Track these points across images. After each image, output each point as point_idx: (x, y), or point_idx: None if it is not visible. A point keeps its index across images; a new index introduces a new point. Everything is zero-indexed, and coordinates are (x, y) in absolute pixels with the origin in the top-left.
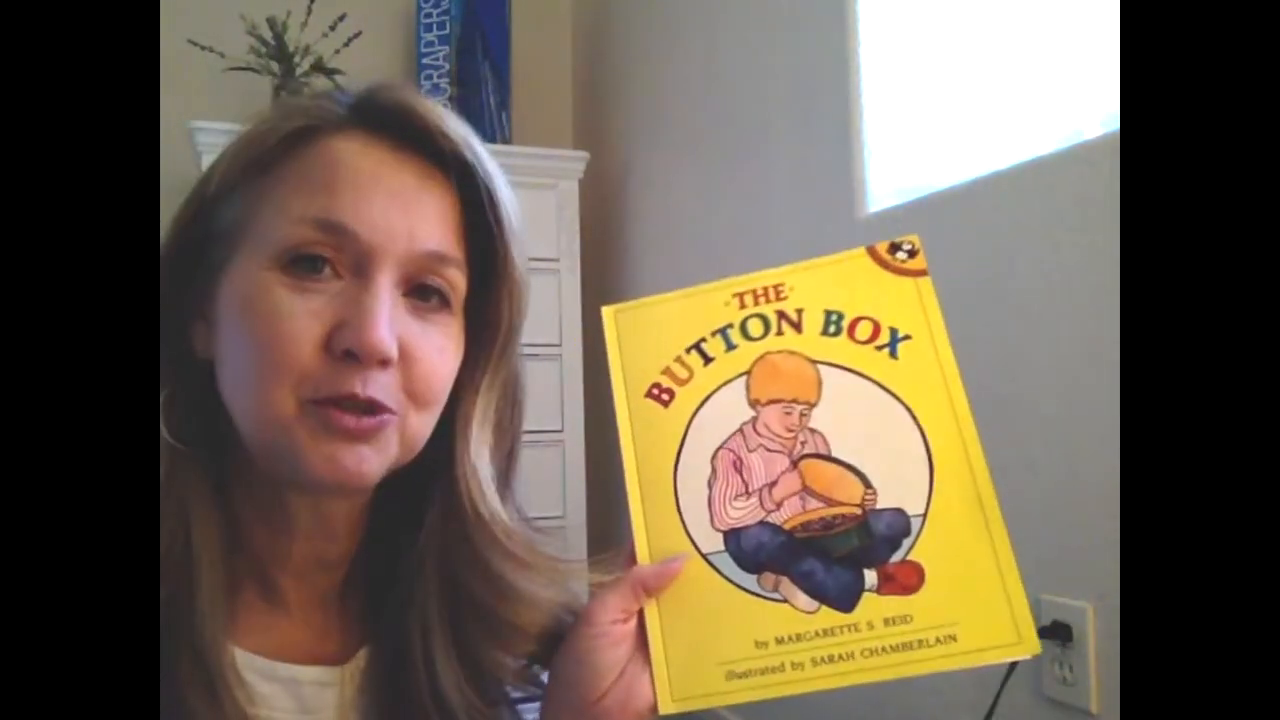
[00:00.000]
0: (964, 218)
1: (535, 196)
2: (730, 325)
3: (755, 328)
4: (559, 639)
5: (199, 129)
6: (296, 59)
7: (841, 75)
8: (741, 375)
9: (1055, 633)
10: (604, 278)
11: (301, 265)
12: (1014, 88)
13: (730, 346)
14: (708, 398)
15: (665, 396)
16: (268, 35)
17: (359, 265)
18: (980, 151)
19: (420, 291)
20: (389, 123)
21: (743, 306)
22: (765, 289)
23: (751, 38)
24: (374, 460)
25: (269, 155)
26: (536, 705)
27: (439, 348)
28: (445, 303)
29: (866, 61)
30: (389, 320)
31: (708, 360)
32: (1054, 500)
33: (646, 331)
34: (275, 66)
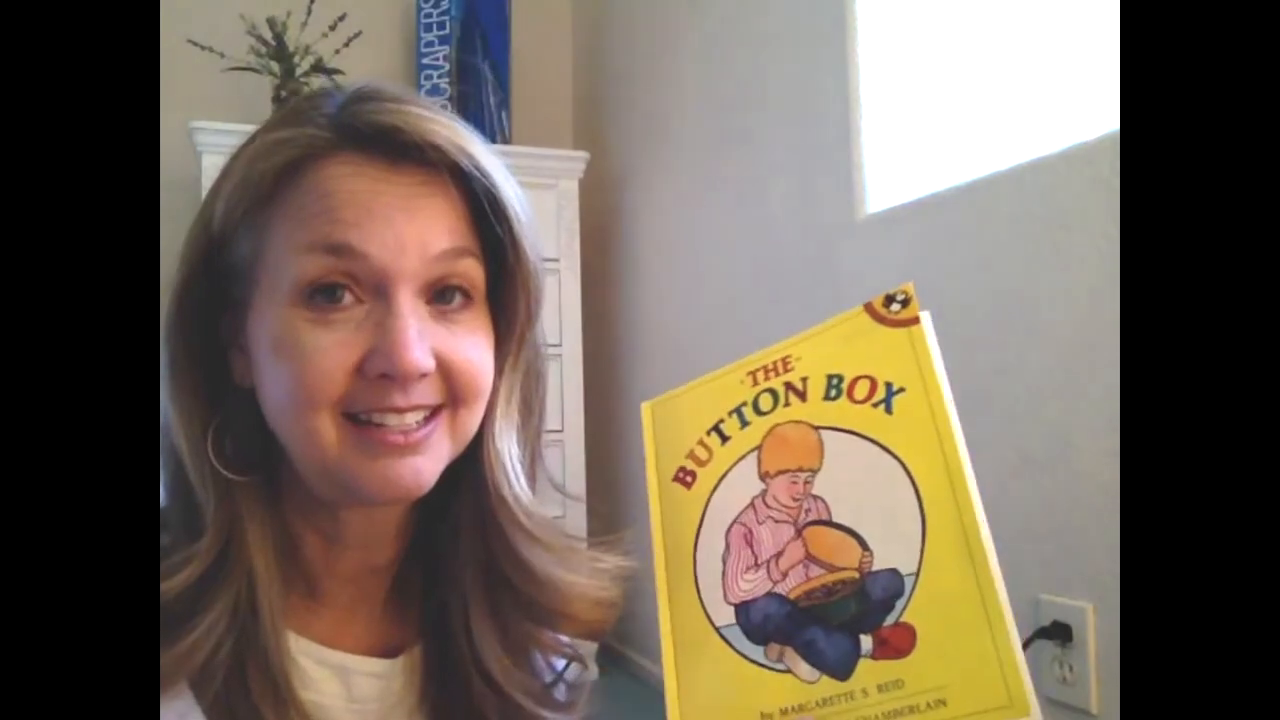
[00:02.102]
0: (964, 218)
1: (535, 196)
2: (744, 404)
3: (765, 402)
4: (600, 624)
5: (199, 129)
6: (296, 59)
7: (841, 76)
8: (753, 450)
9: (1055, 633)
10: (604, 278)
11: (321, 297)
12: (1014, 88)
13: (744, 424)
14: (724, 475)
15: (689, 479)
16: (268, 35)
17: (378, 287)
18: (980, 152)
19: (442, 296)
20: (376, 140)
21: (755, 384)
22: (774, 363)
23: (751, 38)
24: (428, 468)
25: (266, 191)
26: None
27: (472, 344)
28: (468, 299)
29: (866, 62)
30: (418, 337)
31: (725, 439)
32: (1054, 500)
33: (675, 419)
34: (275, 66)
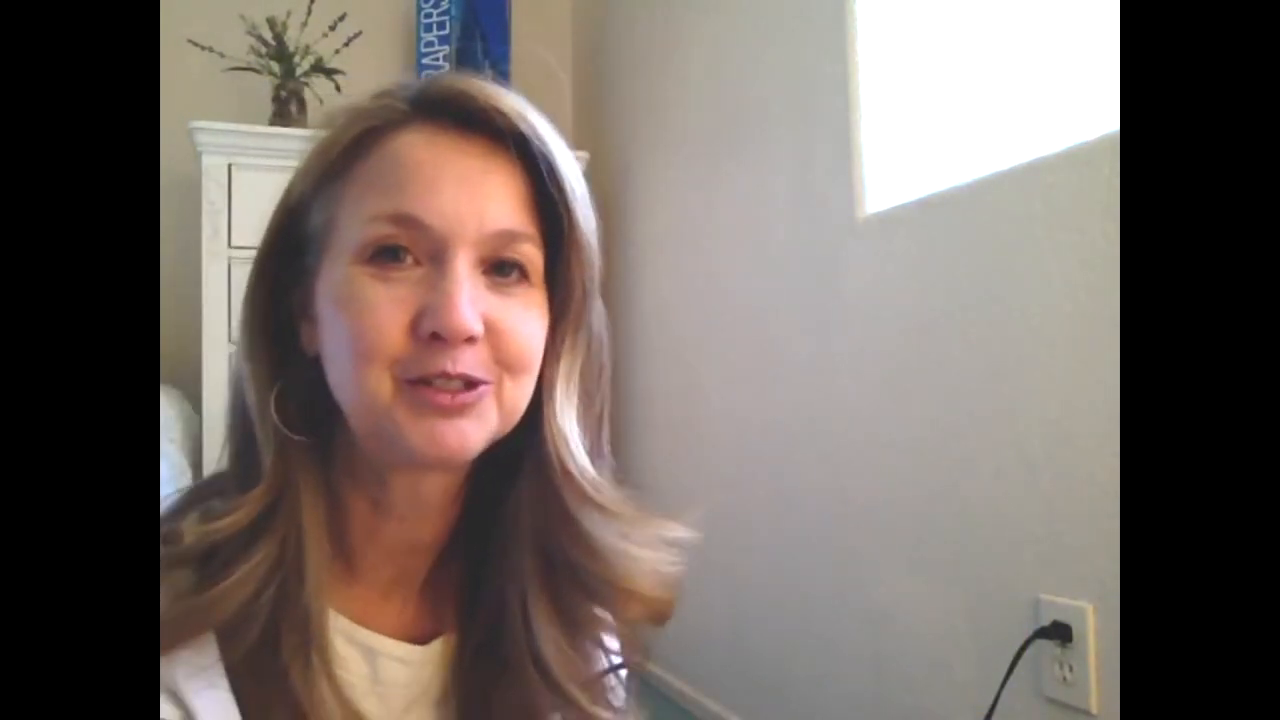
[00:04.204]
0: (964, 218)
1: None
2: None
3: None
4: (662, 604)
5: (199, 129)
6: (296, 59)
7: (841, 75)
8: None
9: (1055, 633)
10: (604, 277)
11: (383, 256)
12: (1014, 88)
13: None
14: None
15: None
16: (268, 35)
17: (436, 253)
18: (980, 152)
19: (499, 268)
20: (447, 110)
21: None
22: None
23: (751, 38)
24: (474, 433)
25: (340, 162)
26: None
27: (523, 317)
28: (524, 276)
29: (866, 61)
30: (470, 300)
31: None
32: (1054, 500)
33: None
34: (275, 66)
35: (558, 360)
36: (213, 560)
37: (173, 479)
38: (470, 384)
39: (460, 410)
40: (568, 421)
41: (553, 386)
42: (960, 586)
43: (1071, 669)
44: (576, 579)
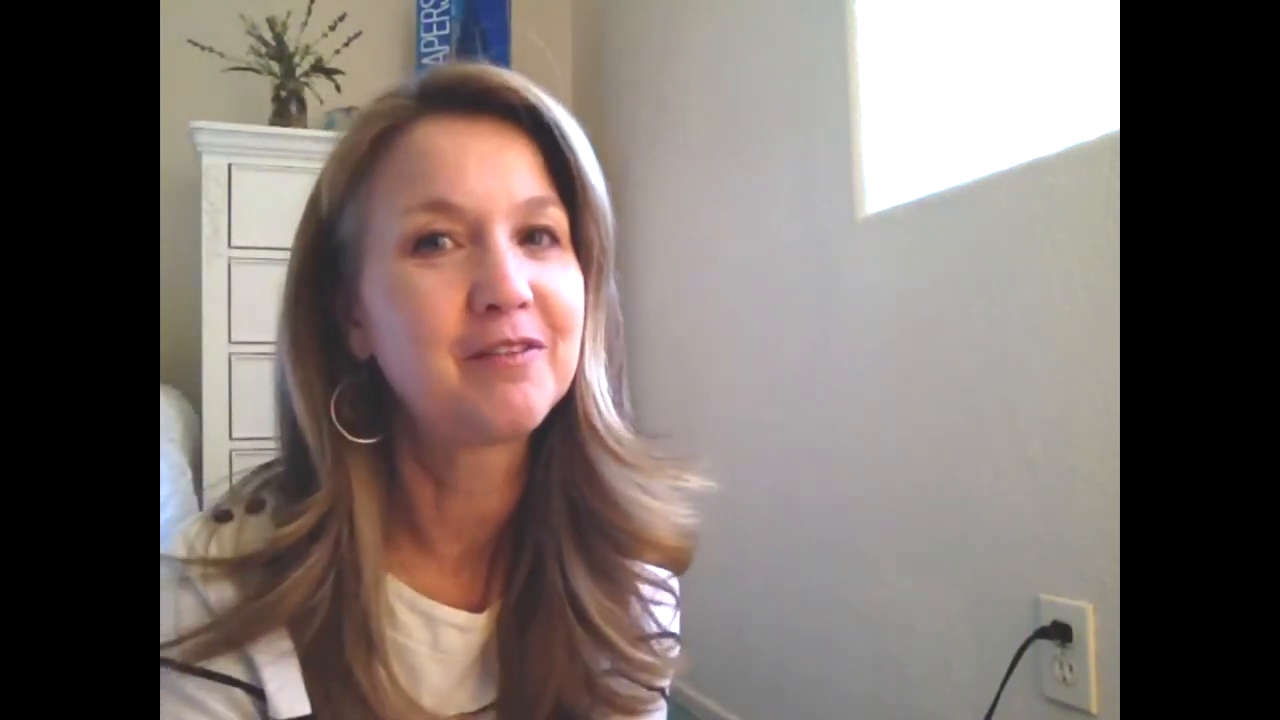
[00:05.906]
0: (963, 219)
1: None
2: None
3: None
4: (680, 552)
5: (199, 129)
6: (296, 59)
7: (841, 75)
8: None
9: (1055, 633)
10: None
11: (425, 246)
12: (1014, 88)
13: None
14: None
15: None
16: (268, 35)
17: (474, 233)
18: (980, 152)
19: (532, 236)
20: (456, 97)
21: None
22: None
23: (752, 38)
24: (537, 395)
25: (364, 164)
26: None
27: (562, 278)
28: (555, 240)
29: (866, 61)
30: (515, 269)
31: None
32: (1054, 500)
33: None
34: (275, 66)
35: (587, 317)
36: (277, 562)
37: (173, 478)
38: (528, 345)
39: (521, 372)
40: (596, 376)
41: (583, 342)
42: (960, 586)
43: (1071, 669)
44: (601, 529)
